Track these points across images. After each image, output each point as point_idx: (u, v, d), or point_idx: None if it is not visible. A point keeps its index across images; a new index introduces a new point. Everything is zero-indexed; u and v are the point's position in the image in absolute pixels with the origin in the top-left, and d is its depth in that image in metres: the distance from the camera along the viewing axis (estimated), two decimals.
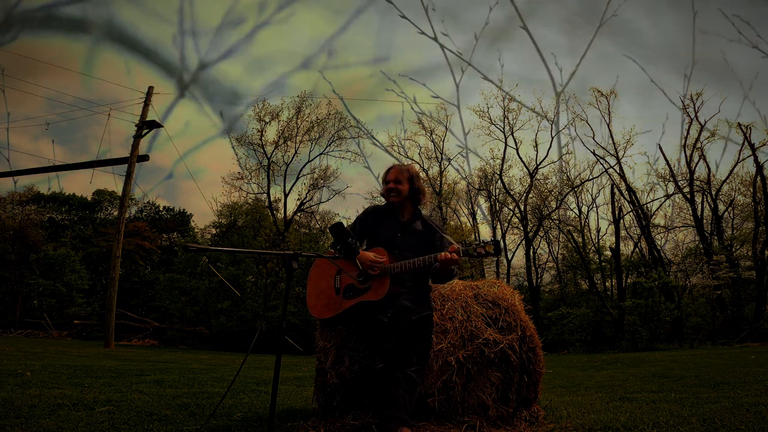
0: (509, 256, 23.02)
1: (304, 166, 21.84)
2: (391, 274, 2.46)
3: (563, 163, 21.61)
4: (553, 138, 20.65)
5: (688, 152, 19.58)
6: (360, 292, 2.48)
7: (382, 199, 2.80)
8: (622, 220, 21.03)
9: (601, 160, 20.79)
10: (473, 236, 21.98)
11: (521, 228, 21.81)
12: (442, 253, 2.42)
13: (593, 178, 21.93)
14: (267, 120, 21.62)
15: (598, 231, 23.05)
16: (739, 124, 18.20)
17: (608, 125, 20.53)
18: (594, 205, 23.14)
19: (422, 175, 17.66)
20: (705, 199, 19.89)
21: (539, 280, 23.10)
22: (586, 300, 20.86)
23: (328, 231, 15.81)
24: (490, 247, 2.37)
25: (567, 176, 21.77)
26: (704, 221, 19.63)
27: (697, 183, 19.69)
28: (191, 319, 20.38)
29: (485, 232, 23.35)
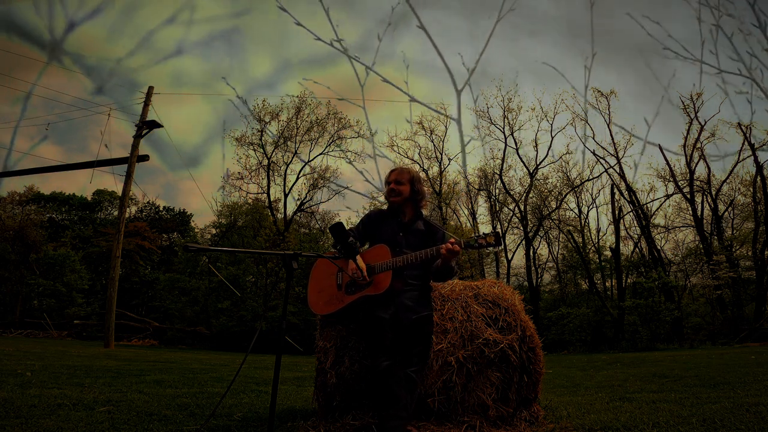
0: (509, 256, 23.03)
1: (304, 166, 21.86)
2: (394, 269, 2.47)
3: (563, 163, 21.63)
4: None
5: (689, 152, 19.58)
6: (362, 288, 2.50)
7: (382, 201, 2.82)
8: (622, 220, 21.05)
9: (601, 160, 20.81)
10: (473, 235, 21.98)
11: (521, 228, 21.82)
12: (444, 245, 2.43)
13: (593, 178, 21.96)
14: (267, 120, 21.64)
15: (598, 231, 23.07)
16: (739, 124, 18.21)
17: (608, 125, 20.55)
18: (594, 205, 23.18)
19: (422, 175, 17.67)
20: (705, 199, 19.90)
21: (539, 280, 23.09)
22: (586, 300, 20.85)
23: (328, 231, 15.81)
24: (491, 237, 2.40)
25: (567, 176, 21.78)
26: (704, 221, 19.63)
27: (697, 183, 19.70)
28: (191, 319, 20.38)
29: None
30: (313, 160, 21.78)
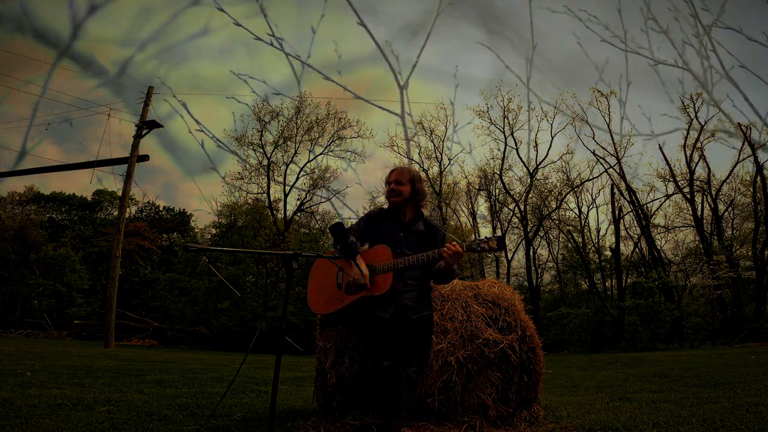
0: (509, 256, 23.02)
1: (304, 166, 21.85)
2: (395, 270, 2.46)
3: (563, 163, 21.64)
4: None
5: (688, 152, 19.59)
6: (362, 288, 2.49)
7: (382, 201, 2.81)
8: (622, 220, 21.05)
9: (601, 160, 20.80)
10: (473, 236, 22.00)
11: (521, 228, 21.82)
12: (445, 248, 2.40)
13: (593, 178, 21.96)
14: (267, 120, 21.63)
15: (598, 231, 23.08)
16: (739, 124, 18.20)
17: (608, 125, 20.53)
18: (594, 205, 23.18)
19: (422, 175, 17.63)
20: (705, 199, 19.90)
21: (539, 280, 23.10)
22: (586, 300, 20.86)
23: (328, 231, 15.80)
24: (494, 242, 2.35)
25: (567, 176, 21.79)
26: (704, 221, 19.63)
27: (697, 183, 19.70)
28: (191, 319, 20.38)
29: (486, 232, 23.36)
30: (313, 159, 21.78)
